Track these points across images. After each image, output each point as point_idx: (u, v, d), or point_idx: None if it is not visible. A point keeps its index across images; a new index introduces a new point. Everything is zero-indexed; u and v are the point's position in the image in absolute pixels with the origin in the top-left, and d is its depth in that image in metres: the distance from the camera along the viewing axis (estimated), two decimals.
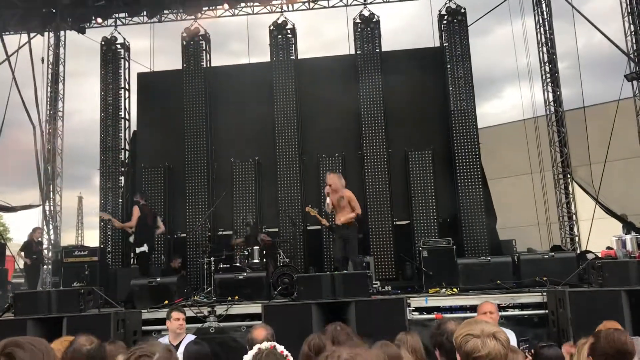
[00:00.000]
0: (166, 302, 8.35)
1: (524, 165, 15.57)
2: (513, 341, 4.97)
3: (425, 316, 8.01)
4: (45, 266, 14.01)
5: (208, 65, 14.43)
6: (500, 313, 6.60)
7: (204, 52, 14.36)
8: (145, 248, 10.54)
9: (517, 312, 7.98)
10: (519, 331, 6.49)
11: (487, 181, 13.17)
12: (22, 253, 13.46)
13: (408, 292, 9.82)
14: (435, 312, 8.09)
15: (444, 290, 9.02)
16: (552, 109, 15.19)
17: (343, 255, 9.03)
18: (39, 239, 14.09)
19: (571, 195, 14.96)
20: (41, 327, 7.00)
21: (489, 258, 9.48)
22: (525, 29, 14.95)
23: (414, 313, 7.96)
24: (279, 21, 13.92)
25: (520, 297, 8.14)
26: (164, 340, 6.31)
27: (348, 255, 9.05)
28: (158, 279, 9.04)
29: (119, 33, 14.98)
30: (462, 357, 2.31)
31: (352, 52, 13.85)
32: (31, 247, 13.51)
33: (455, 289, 8.88)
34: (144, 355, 2.06)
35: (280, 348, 3.62)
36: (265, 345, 3.51)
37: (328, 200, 9.06)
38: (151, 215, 11.05)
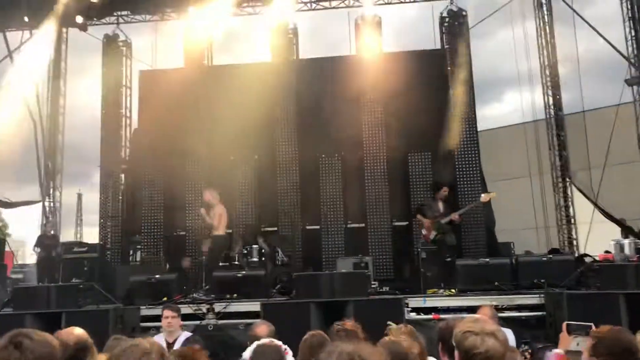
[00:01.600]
0: (165, 298, 8.37)
1: (523, 168, 15.57)
2: (512, 341, 4.99)
3: (423, 316, 8.06)
4: None
5: (210, 63, 14.42)
6: (498, 314, 6.61)
7: (207, 50, 14.35)
8: None
9: (514, 313, 8.02)
10: (516, 332, 6.51)
11: (486, 183, 13.19)
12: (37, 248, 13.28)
13: (406, 292, 9.82)
14: (433, 313, 8.13)
15: (442, 291, 9.03)
16: (552, 112, 15.21)
17: None
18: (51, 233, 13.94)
19: (570, 199, 14.97)
20: (40, 322, 7.02)
21: (488, 260, 9.49)
22: (527, 33, 14.96)
23: (411, 313, 8.00)
24: (281, 21, 13.91)
25: (518, 299, 8.18)
26: (159, 337, 6.25)
27: None
28: (157, 276, 9.07)
29: (121, 30, 14.98)
30: (461, 353, 2.34)
31: (354, 52, 13.86)
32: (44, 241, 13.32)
33: (453, 290, 8.90)
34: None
35: (283, 347, 3.65)
36: (267, 341, 3.55)
37: (203, 212, 10.28)
38: None
